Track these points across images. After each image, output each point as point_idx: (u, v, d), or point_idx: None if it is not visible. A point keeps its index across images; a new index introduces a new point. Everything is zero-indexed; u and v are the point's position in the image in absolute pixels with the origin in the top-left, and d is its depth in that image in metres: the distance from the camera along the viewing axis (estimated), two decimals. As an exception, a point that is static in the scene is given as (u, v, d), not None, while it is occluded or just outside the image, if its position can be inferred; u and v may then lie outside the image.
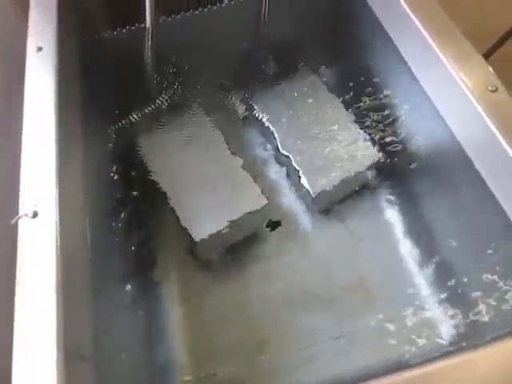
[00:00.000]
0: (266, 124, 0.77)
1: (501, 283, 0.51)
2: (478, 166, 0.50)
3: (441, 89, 0.54)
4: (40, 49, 0.57)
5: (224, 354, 0.63)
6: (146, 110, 0.73)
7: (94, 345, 0.43)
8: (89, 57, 0.66)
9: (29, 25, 0.60)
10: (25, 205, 0.45)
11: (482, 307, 0.55)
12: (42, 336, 0.38)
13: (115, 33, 0.67)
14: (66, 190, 0.48)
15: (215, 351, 0.63)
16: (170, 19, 0.68)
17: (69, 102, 0.57)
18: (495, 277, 0.52)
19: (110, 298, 0.51)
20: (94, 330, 0.44)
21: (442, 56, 0.52)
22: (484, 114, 0.47)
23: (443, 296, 0.61)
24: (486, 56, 0.93)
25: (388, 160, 0.71)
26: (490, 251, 0.52)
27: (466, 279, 0.58)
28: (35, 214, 0.45)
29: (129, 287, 0.56)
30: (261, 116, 0.78)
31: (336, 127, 0.75)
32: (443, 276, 0.62)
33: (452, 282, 0.59)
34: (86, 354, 0.42)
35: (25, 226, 0.44)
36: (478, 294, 0.56)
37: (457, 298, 0.59)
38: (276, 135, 0.75)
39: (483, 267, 0.54)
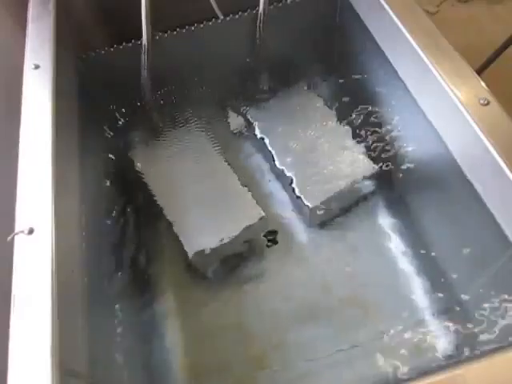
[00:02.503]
0: (262, 137, 0.78)
1: (496, 298, 0.51)
2: (470, 178, 0.50)
3: (433, 102, 0.55)
4: (37, 66, 0.58)
5: (221, 369, 0.62)
6: (143, 124, 0.73)
7: (89, 362, 0.43)
8: (85, 73, 0.66)
9: (26, 41, 0.61)
10: (21, 221, 0.45)
11: (478, 322, 0.55)
12: (37, 353, 0.38)
13: (112, 49, 0.68)
14: (62, 206, 0.48)
15: (212, 365, 0.63)
16: (166, 35, 0.69)
17: (66, 119, 0.57)
18: (491, 291, 0.52)
19: (105, 314, 0.51)
20: (90, 346, 0.44)
21: (433, 70, 0.53)
22: (475, 127, 0.47)
23: (440, 310, 0.61)
24: (480, 70, 0.95)
25: (384, 173, 0.72)
26: (486, 265, 0.53)
27: (462, 294, 0.58)
28: (31, 231, 0.45)
29: (124, 302, 0.55)
30: (257, 129, 0.79)
31: (331, 140, 0.76)
32: (440, 290, 0.62)
33: (449, 297, 0.59)
34: (81, 372, 0.42)
35: (21, 243, 0.44)
36: (474, 308, 0.56)
37: (453, 313, 0.59)
38: (272, 149, 0.76)
39: (480, 282, 0.54)
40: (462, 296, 0.58)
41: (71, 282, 0.45)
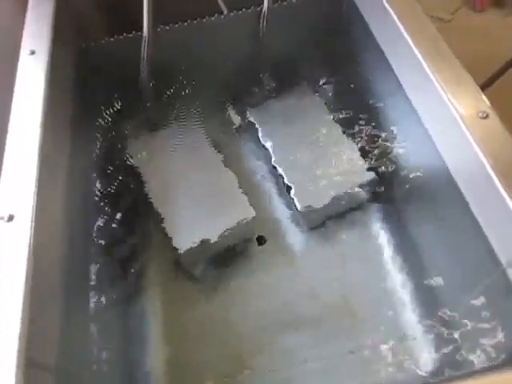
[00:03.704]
0: (261, 137, 0.77)
1: (483, 317, 0.50)
2: (464, 192, 0.49)
3: (432, 112, 0.54)
4: (33, 52, 0.58)
5: (202, 367, 0.62)
6: (139, 117, 0.73)
7: (59, 356, 0.42)
8: (82, 62, 0.66)
9: (24, 28, 0.60)
10: (1, 208, 0.45)
11: (464, 339, 0.54)
12: (4, 342, 0.37)
13: (112, 39, 0.67)
14: (46, 195, 0.47)
15: (193, 363, 0.62)
16: (167, 28, 0.69)
17: (58, 106, 0.57)
18: (479, 311, 0.51)
19: (82, 308, 0.51)
20: (62, 340, 0.43)
21: (433, 78, 0.51)
22: (471, 140, 0.46)
23: (425, 325, 0.59)
24: (488, 83, 0.92)
25: (381, 182, 0.70)
26: (475, 283, 0.51)
27: (449, 311, 0.56)
28: (11, 218, 0.45)
29: (106, 297, 0.55)
30: (256, 129, 0.78)
31: (330, 145, 0.74)
32: (429, 304, 0.60)
33: (437, 311, 0.58)
34: (49, 365, 0.41)
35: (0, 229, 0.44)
36: (460, 326, 0.54)
37: (439, 329, 0.57)
38: (270, 149, 0.75)
39: (468, 299, 0.52)
40: (449, 313, 0.56)
41: (47, 272, 0.44)
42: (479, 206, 0.47)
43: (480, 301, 0.51)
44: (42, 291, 0.42)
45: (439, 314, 0.57)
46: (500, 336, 0.49)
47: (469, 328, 0.53)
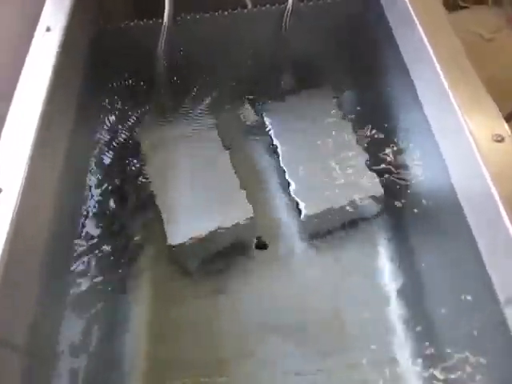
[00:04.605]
0: (272, 137, 0.75)
1: (475, 355, 0.47)
2: (469, 217, 0.46)
3: (445, 128, 0.51)
4: (48, 29, 0.58)
5: (181, 367, 0.60)
6: (151, 105, 0.72)
7: (29, 336, 0.42)
8: (99, 44, 0.65)
9: (44, 4, 0.61)
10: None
11: (456, 372, 0.51)
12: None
13: (131, 24, 0.67)
14: (39, 170, 0.47)
15: (173, 361, 0.61)
16: (188, 18, 0.68)
17: (66, 85, 0.57)
18: (473, 344, 0.48)
19: (62, 292, 0.50)
20: (34, 320, 0.43)
21: (450, 94, 0.48)
22: (481, 164, 0.43)
23: (416, 353, 0.56)
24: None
25: (389, 198, 0.67)
26: (472, 318, 0.48)
27: (442, 342, 0.53)
28: (-1, 190, 0.44)
29: (91, 283, 0.54)
30: (269, 128, 0.76)
31: (343, 154, 0.72)
32: (421, 333, 0.57)
33: (428, 342, 0.55)
34: (16, 344, 0.41)
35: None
36: (455, 357, 0.51)
37: (432, 358, 0.54)
38: (279, 150, 0.73)
39: (463, 332, 0.49)
40: (442, 344, 0.53)
41: (27, 250, 0.44)
42: (483, 237, 0.44)
43: (473, 335, 0.48)
44: (17, 268, 0.41)
45: (431, 345, 0.54)
46: (484, 371, 0.46)
47: (460, 362, 0.50)
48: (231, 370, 0.60)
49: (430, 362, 0.55)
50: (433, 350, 0.55)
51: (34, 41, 0.57)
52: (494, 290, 0.43)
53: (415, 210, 0.62)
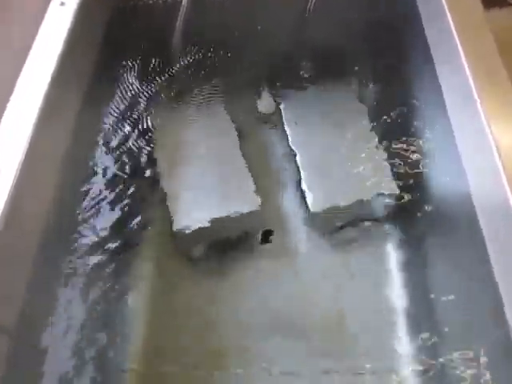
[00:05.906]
0: (288, 127, 0.72)
1: (478, 369, 0.45)
2: (483, 226, 0.43)
3: (469, 137, 0.47)
4: (63, 3, 0.56)
5: (179, 355, 0.59)
6: (164, 87, 0.70)
7: (19, 319, 0.41)
8: (117, 22, 0.64)
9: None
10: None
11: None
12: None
13: (150, 2, 0.65)
14: (42, 143, 0.46)
15: (170, 350, 0.60)
16: (207, -1, 0.65)
17: (77, 61, 0.55)
18: (476, 362, 0.45)
19: (55, 274, 0.49)
20: (25, 304, 0.42)
21: (478, 99, 0.45)
22: (503, 175, 0.40)
23: (416, 362, 0.54)
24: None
25: (405, 201, 0.64)
26: (478, 334, 0.46)
27: (444, 354, 0.51)
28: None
29: (84, 265, 0.53)
30: (284, 117, 0.73)
31: (359, 151, 0.69)
32: (424, 344, 0.55)
33: (429, 353, 0.53)
34: (5, 326, 0.40)
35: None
36: (456, 368, 0.49)
37: (428, 370, 0.52)
38: (293, 142, 0.70)
39: (468, 350, 0.47)
40: (444, 356, 0.51)
41: (23, 230, 0.43)
42: (496, 252, 0.42)
43: (478, 354, 0.45)
44: (11, 249, 0.41)
45: (432, 356, 0.52)
46: None
47: (464, 374, 0.48)
48: (225, 365, 0.59)
49: (428, 374, 0.53)
50: (433, 363, 0.53)
51: (47, 14, 0.55)
52: (504, 310, 0.40)
53: (428, 213, 0.59)
